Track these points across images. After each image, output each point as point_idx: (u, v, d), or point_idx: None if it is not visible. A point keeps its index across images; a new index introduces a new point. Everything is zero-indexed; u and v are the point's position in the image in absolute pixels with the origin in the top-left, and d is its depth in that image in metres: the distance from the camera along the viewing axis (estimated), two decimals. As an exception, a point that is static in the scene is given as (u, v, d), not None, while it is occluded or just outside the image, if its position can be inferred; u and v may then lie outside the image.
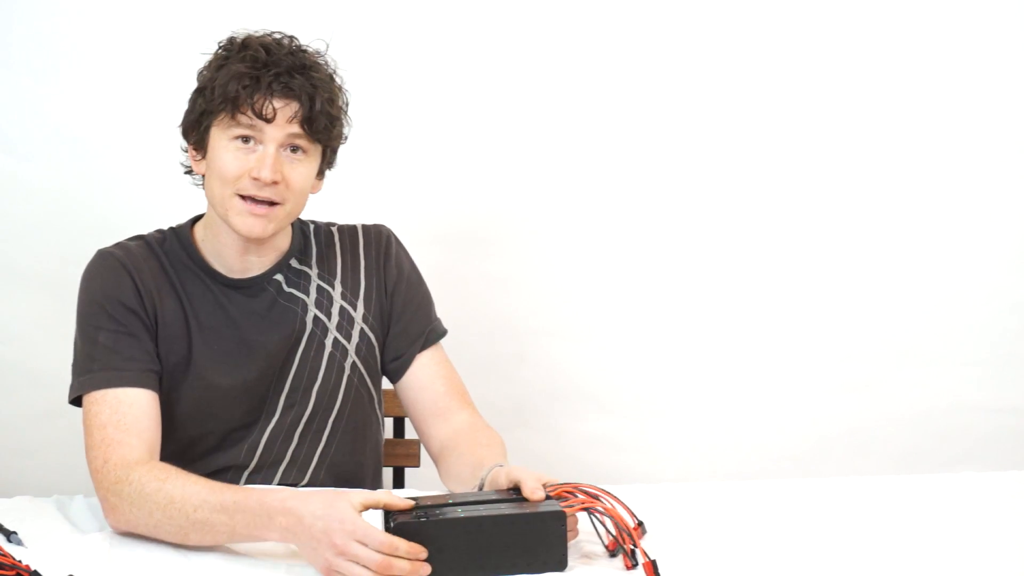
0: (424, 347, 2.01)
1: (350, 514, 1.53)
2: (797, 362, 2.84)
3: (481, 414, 2.00)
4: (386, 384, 2.07)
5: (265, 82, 1.80)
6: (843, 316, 2.83)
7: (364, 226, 2.05)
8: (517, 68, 2.73)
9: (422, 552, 1.50)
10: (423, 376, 2.00)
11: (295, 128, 1.82)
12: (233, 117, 1.81)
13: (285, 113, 1.81)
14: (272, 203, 1.83)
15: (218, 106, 1.81)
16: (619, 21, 2.72)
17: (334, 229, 2.03)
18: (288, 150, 1.84)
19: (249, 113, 1.80)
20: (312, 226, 2.03)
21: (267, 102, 1.80)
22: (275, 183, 1.82)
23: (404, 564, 1.49)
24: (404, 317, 2.01)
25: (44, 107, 2.62)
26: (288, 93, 1.81)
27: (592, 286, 2.81)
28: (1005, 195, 2.81)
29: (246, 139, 1.82)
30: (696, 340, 2.83)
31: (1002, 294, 2.84)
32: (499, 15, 2.71)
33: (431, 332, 2.03)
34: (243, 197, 1.83)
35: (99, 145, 2.65)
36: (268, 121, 1.81)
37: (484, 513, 1.52)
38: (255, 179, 1.81)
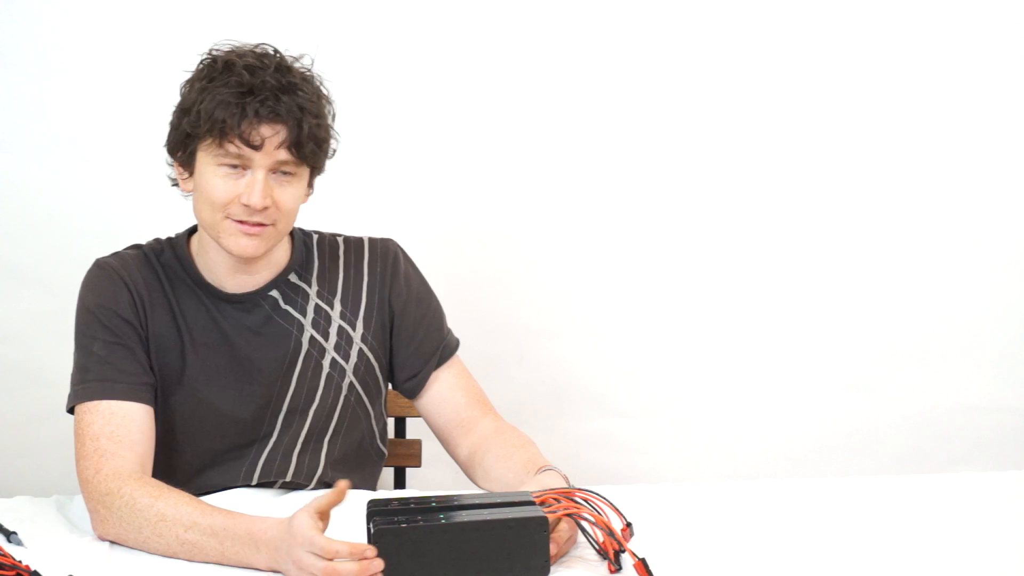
0: (439, 364, 1.99)
1: (301, 527, 1.51)
2: (798, 362, 2.84)
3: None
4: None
5: (251, 109, 1.74)
6: (844, 317, 2.83)
7: (371, 240, 2.00)
8: (517, 68, 2.73)
9: (370, 550, 1.47)
10: (442, 392, 1.98)
11: (283, 154, 1.78)
12: (220, 145, 1.76)
13: (273, 140, 1.76)
14: (262, 224, 1.80)
15: (204, 132, 1.76)
16: (618, 22, 2.72)
17: (339, 240, 1.99)
18: (277, 173, 1.79)
19: (236, 141, 1.76)
20: (316, 237, 1.98)
21: (254, 130, 1.75)
22: (265, 208, 1.78)
23: (350, 566, 1.46)
24: (416, 337, 1.98)
25: (43, 107, 2.62)
26: (275, 119, 1.76)
27: (592, 286, 2.81)
28: (1006, 196, 2.81)
29: (234, 165, 1.78)
30: (696, 340, 2.83)
31: (1003, 295, 2.84)
32: (498, 17, 2.71)
33: (444, 348, 2.00)
34: (234, 219, 1.80)
35: (99, 146, 2.65)
36: (256, 148, 1.76)
37: (466, 519, 1.51)
38: (245, 205, 1.78)
